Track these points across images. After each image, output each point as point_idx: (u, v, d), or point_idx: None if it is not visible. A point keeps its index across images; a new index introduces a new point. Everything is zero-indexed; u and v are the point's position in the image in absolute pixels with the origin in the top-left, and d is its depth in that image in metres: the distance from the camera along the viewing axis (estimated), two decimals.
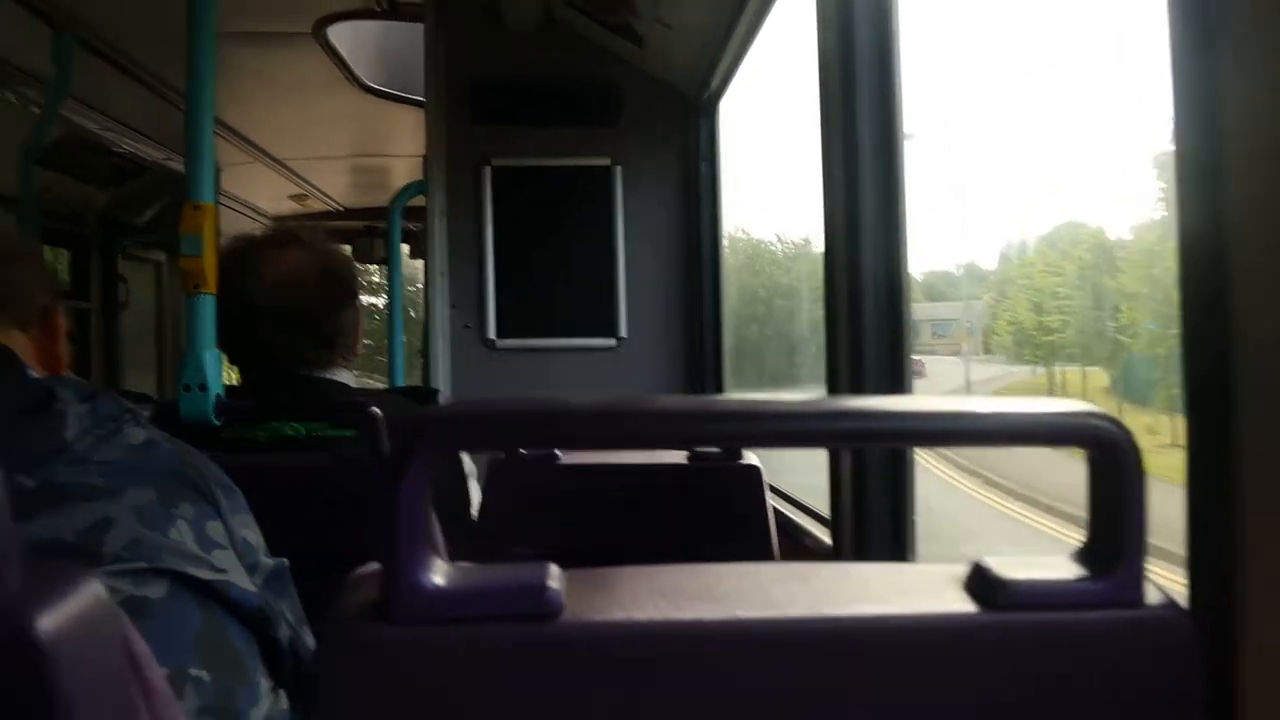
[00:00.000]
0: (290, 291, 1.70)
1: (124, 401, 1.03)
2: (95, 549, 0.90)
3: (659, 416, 0.55)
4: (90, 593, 0.59)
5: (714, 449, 1.71)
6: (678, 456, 1.73)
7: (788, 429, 0.55)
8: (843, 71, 1.50)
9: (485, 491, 1.73)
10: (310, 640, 1.12)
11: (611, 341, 3.07)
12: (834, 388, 1.61)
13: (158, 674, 0.64)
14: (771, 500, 1.80)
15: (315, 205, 5.60)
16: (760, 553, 1.76)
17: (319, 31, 3.13)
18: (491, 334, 3.02)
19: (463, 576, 0.54)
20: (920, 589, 0.59)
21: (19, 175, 3.29)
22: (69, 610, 0.57)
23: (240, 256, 1.74)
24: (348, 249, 4.12)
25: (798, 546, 2.05)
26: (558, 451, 1.65)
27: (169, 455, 1.03)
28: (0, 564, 0.55)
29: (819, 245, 1.64)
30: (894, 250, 1.48)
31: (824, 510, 2.19)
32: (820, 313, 1.67)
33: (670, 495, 1.72)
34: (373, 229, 5.32)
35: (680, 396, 0.57)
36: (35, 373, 1.07)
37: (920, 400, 0.59)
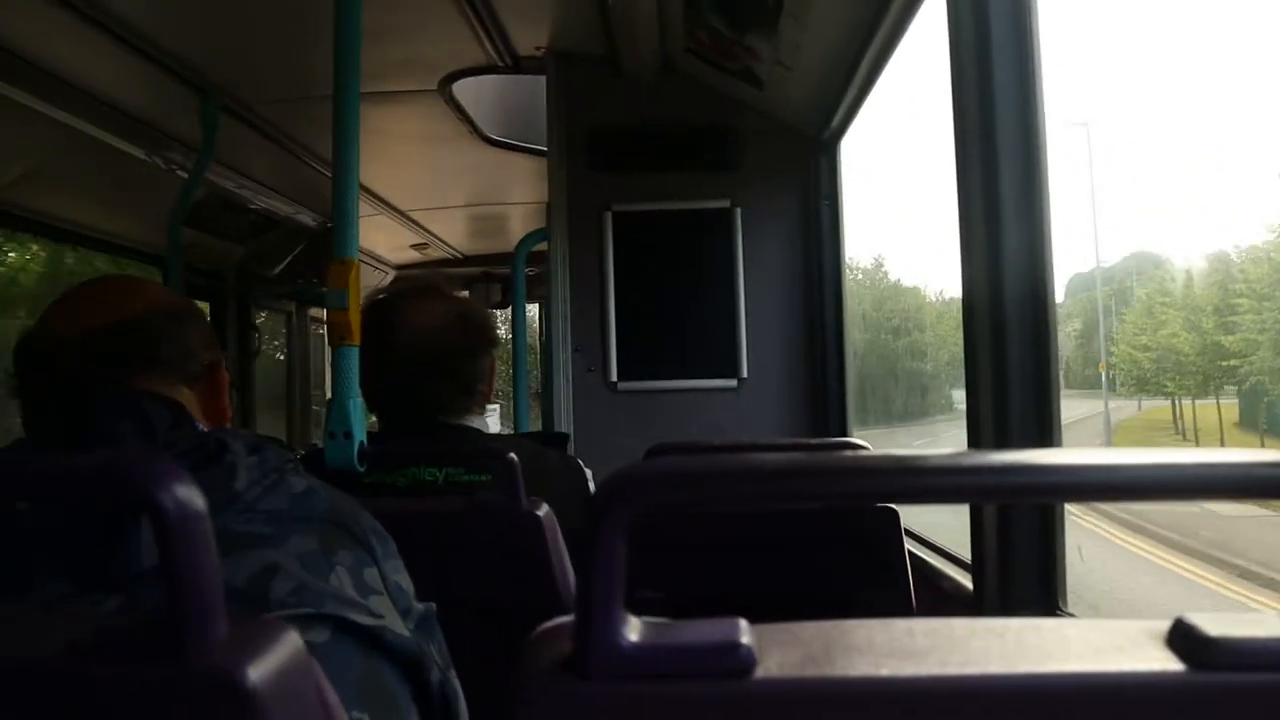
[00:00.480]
0: (432, 339, 1.77)
1: (285, 452, 1.07)
2: (264, 594, 0.94)
3: (861, 473, 0.54)
4: (290, 644, 0.61)
5: None
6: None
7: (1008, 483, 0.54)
8: (979, 78, 1.47)
9: None
10: (456, 684, 1.14)
11: (733, 382, 3.06)
12: (976, 440, 1.57)
13: (344, 718, 0.65)
14: (908, 543, 1.76)
15: (435, 253, 5.76)
16: (897, 598, 1.72)
17: (444, 88, 3.24)
18: (614, 376, 3.04)
19: (655, 632, 0.54)
20: (1120, 646, 0.57)
21: (169, 236, 3.47)
22: (272, 662, 0.59)
23: (384, 307, 1.82)
24: (465, 294, 4.22)
25: (934, 590, 2.00)
26: None
27: (327, 503, 1.06)
28: (209, 615, 0.58)
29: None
30: (1039, 289, 1.44)
31: (958, 552, 2.14)
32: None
33: (802, 537, 1.70)
34: (489, 274, 5.44)
35: (877, 454, 0.56)
36: (202, 426, 1.12)
37: (1096, 452, 0.57)
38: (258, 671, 0.58)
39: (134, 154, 3.39)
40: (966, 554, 2.06)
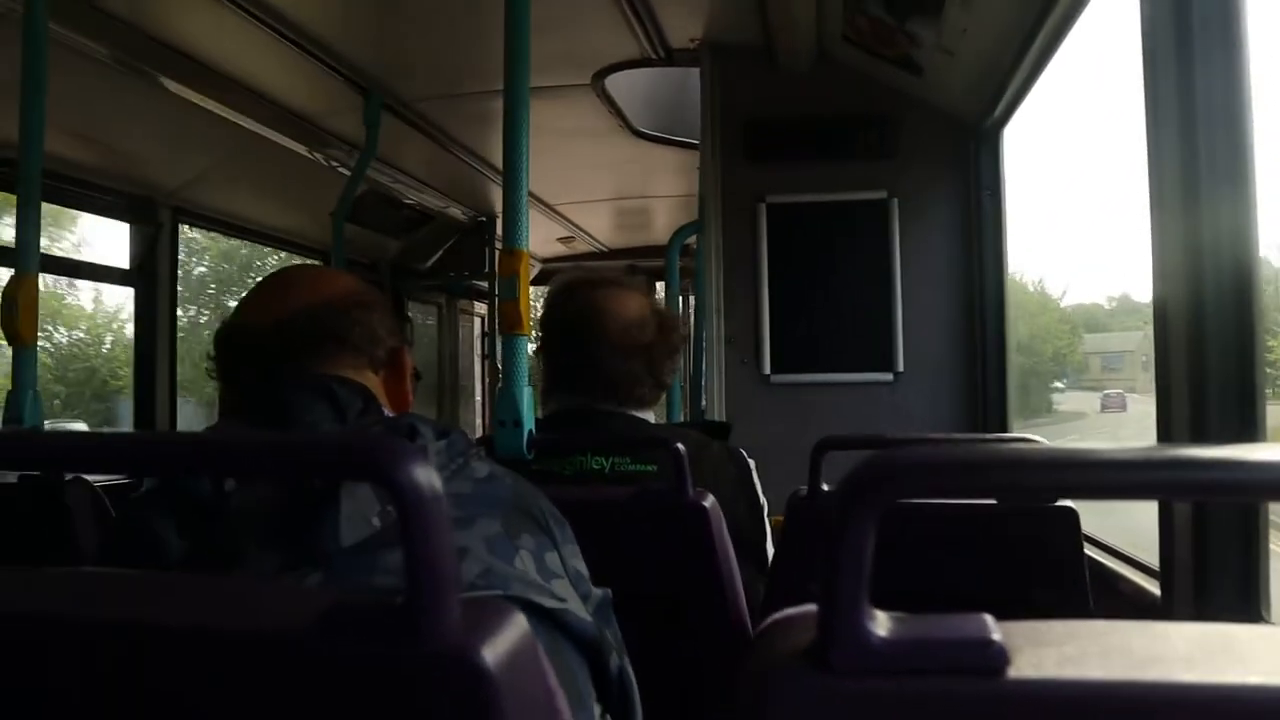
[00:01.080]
0: (637, 330, 1.80)
1: (469, 438, 1.09)
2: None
3: (1101, 466, 0.51)
4: (519, 626, 0.62)
5: None
6: (987, 498, 1.66)
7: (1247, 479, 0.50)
8: (1178, 52, 1.39)
9: (787, 530, 1.71)
10: (631, 671, 1.14)
11: (889, 376, 3.00)
12: (1166, 434, 1.49)
13: (566, 708, 0.66)
14: (1088, 548, 1.69)
15: (581, 246, 5.83)
16: (1075, 600, 1.65)
17: (597, 82, 3.27)
18: (767, 368, 3.02)
19: (901, 626, 0.53)
20: None
21: (333, 230, 3.61)
22: (504, 643, 0.60)
23: (577, 292, 1.86)
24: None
25: (1113, 594, 1.91)
26: None
27: (509, 488, 1.08)
28: (445, 595, 0.59)
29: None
30: (1243, 273, 1.35)
31: (1139, 555, 2.04)
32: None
33: (980, 537, 1.64)
34: (634, 267, 5.48)
35: (1128, 447, 0.53)
36: (387, 411, 1.15)
37: None
38: (491, 652, 0.59)
39: (299, 151, 3.55)
40: (1143, 558, 1.97)
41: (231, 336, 1.18)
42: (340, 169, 3.73)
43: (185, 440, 0.66)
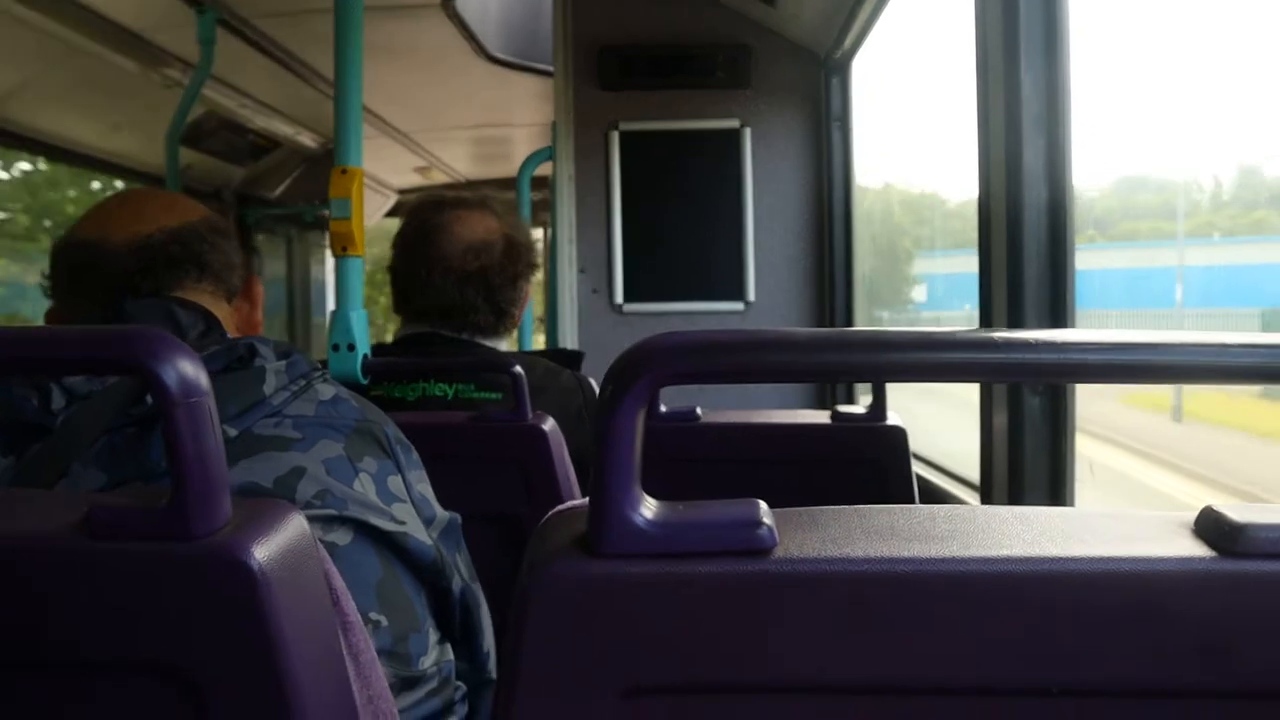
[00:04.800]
0: (476, 253, 1.75)
1: (313, 360, 1.07)
2: (289, 496, 0.94)
3: (881, 347, 0.52)
4: (296, 526, 0.60)
5: (857, 410, 1.68)
6: (820, 417, 1.70)
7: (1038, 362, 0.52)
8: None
9: None
10: (479, 593, 1.14)
11: (740, 305, 3.03)
12: (988, 323, 1.55)
13: (353, 608, 0.65)
14: (915, 466, 1.76)
15: (438, 177, 5.70)
16: None
17: (447, 3, 3.16)
18: (619, 298, 3.02)
19: (671, 512, 0.53)
20: (1146, 534, 0.56)
21: (166, 154, 3.42)
22: (278, 541, 0.58)
23: (431, 211, 1.80)
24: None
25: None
26: (699, 410, 1.63)
27: (354, 411, 1.07)
28: (214, 493, 0.57)
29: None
30: (1057, 157, 1.41)
31: (964, 473, 2.13)
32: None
33: (811, 457, 1.69)
34: (488, 200, 5.38)
35: (903, 329, 0.54)
36: (232, 336, 1.12)
37: (1120, 333, 0.55)
38: (262, 550, 0.57)
39: (129, 69, 3.33)
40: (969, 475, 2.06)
41: (80, 253, 1.12)
42: (179, 90, 3.52)
43: None
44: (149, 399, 0.90)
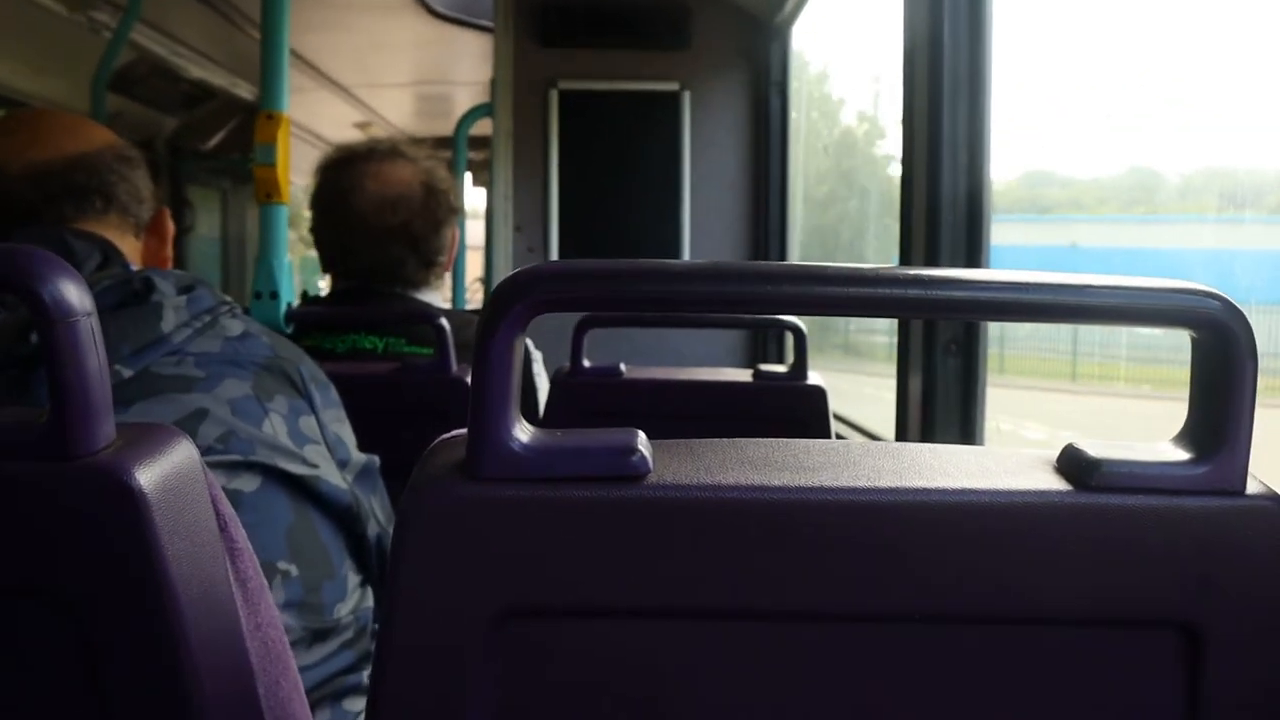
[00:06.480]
0: (396, 207, 1.72)
1: (220, 294, 1.03)
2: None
3: (759, 278, 0.53)
4: (183, 450, 0.60)
5: (779, 369, 1.70)
6: (743, 375, 1.72)
7: (903, 296, 0.53)
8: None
9: (549, 404, 1.74)
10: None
11: None
12: (907, 261, 1.59)
13: (242, 535, 0.65)
14: (835, 426, 1.79)
15: (378, 132, 5.61)
16: None
17: None
18: (554, 257, 3.01)
19: (549, 438, 0.54)
20: (1009, 469, 0.58)
21: (91, 99, 3.33)
22: (162, 464, 0.58)
23: (342, 168, 1.76)
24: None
25: None
26: (622, 366, 1.64)
27: (264, 348, 1.03)
28: (94, 415, 0.56)
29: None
30: (977, 114, 1.44)
31: (882, 433, 2.17)
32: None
33: (733, 414, 1.71)
34: (434, 158, 5.32)
35: (784, 264, 0.55)
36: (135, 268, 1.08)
37: (1012, 274, 0.56)
38: (146, 473, 0.57)
39: (54, 9, 3.24)
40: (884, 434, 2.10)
41: None
42: (108, 35, 3.42)
43: None
44: (34, 337, 0.87)
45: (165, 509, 0.57)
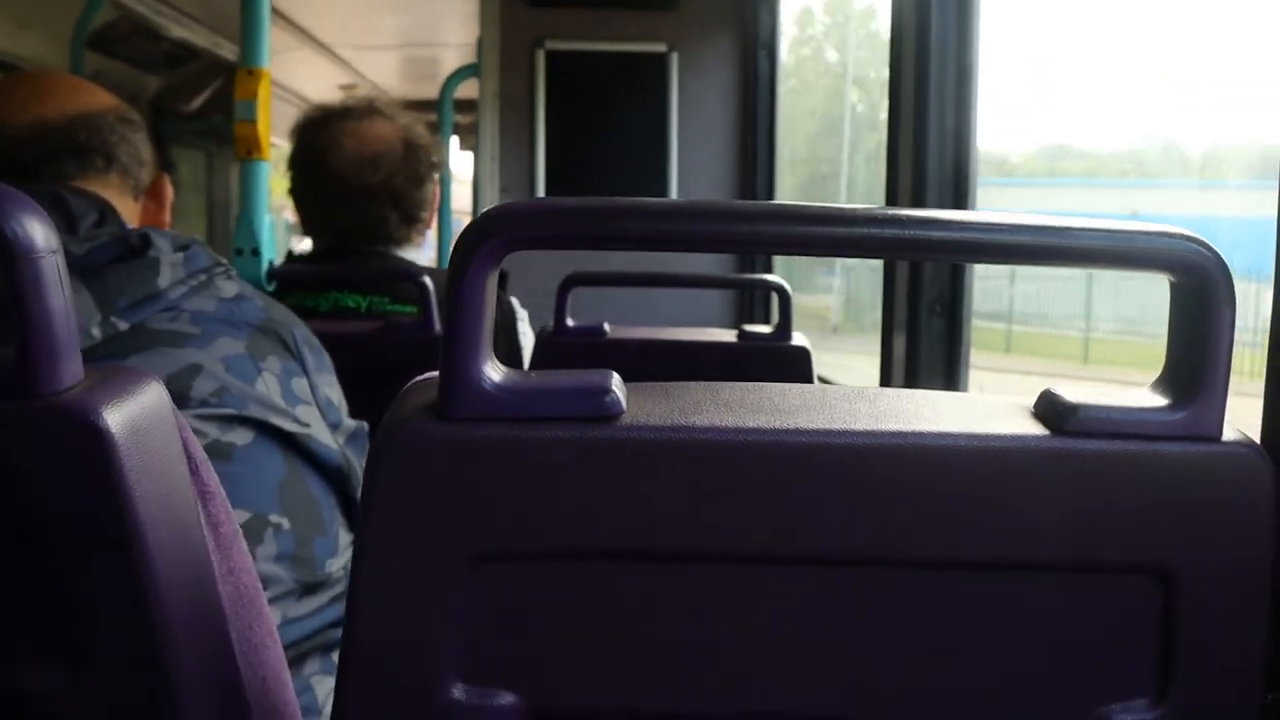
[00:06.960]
0: (376, 165, 1.70)
1: (215, 254, 1.04)
2: (183, 393, 0.92)
3: (736, 216, 0.53)
4: (153, 391, 0.59)
5: (764, 329, 1.70)
6: (728, 335, 1.72)
7: (871, 235, 0.53)
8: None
9: (533, 362, 1.73)
10: None
11: None
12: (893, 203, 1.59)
13: (214, 479, 0.64)
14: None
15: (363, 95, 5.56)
16: None
17: None
18: None
19: (522, 379, 0.53)
20: (987, 414, 0.58)
21: (70, 57, 3.29)
22: (131, 404, 0.57)
23: (320, 127, 1.74)
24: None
25: None
26: (606, 326, 1.64)
27: (258, 310, 1.04)
28: (60, 354, 0.56)
29: None
30: (964, 68, 1.44)
31: None
32: None
33: (717, 373, 1.71)
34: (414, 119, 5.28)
35: (760, 203, 0.54)
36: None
37: (992, 214, 0.56)
38: (114, 412, 0.56)
39: None
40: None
41: None
42: None
43: None
44: None
45: (133, 449, 0.56)
